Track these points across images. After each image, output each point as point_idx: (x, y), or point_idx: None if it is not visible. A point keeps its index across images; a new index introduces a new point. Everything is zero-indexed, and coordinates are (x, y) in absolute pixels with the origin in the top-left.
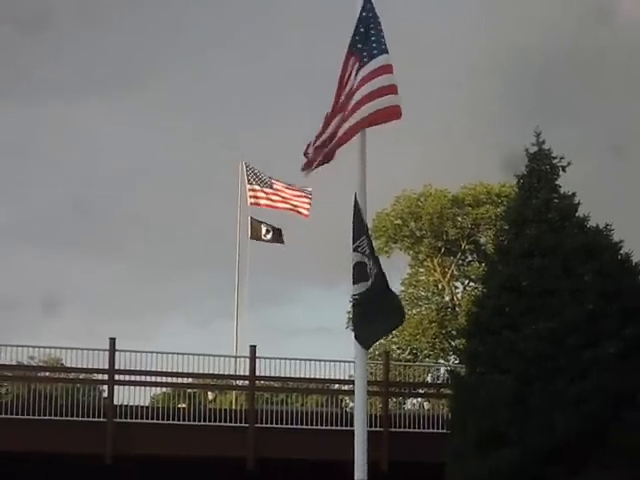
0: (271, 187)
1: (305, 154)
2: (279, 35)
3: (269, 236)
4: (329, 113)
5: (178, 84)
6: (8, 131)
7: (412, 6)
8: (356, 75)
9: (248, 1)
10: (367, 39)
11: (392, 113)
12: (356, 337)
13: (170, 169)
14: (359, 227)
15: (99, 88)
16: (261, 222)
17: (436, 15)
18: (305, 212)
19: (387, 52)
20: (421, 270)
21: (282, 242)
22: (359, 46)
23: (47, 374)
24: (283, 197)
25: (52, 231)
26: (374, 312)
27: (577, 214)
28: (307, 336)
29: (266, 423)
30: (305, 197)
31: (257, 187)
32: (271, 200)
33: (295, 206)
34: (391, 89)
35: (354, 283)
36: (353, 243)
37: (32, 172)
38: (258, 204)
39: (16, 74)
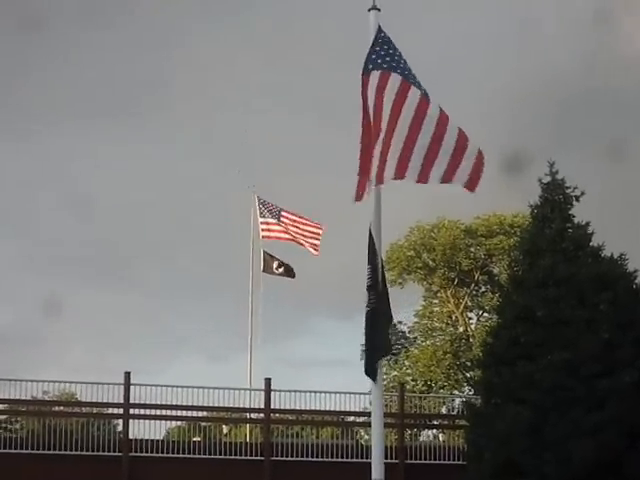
0: (279, 219)
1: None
2: (291, 61)
3: (281, 270)
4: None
5: (189, 113)
6: (14, 161)
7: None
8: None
9: (257, 26)
10: (393, 58)
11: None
12: (365, 371)
13: (183, 200)
14: (373, 257)
15: (108, 118)
16: (273, 257)
17: (452, 49)
18: (314, 251)
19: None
20: (435, 301)
21: (293, 276)
22: (390, 64)
23: (61, 408)
24: (295, 231)
25: (64, 262)
26: (369, 342)
27: (591, 243)
28: (321, 368)
29: (281, 456)
30: (315, 232)
31: (269, 220)
32: (283, 233)
33: (306, 241)
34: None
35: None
36: (368, 272)
37: (42, 202)
38: (270, 237)
39: (17, 101)
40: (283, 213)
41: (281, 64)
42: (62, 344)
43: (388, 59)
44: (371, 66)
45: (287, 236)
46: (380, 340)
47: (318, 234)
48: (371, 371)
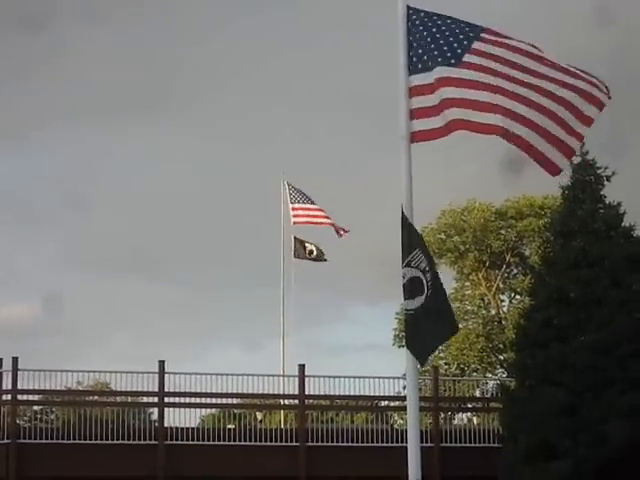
0: (313, 203)
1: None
2: (321, 54)
3: (313, 254)
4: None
5: (219, 105)
6: (57, 159)
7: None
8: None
9: (288, 20)
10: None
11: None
12: (412, 353)
13: (214, 190)
14: (410, 240)
15: (139, 112)
16: (304, 241)
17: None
18: (343, 231)
19: None
20: (467, 284)
21: (325, 260)
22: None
23: (96, 398)
24: (325, 214)
25: (103, 256)
26: (428, 326)
27: (623, 224)
28: (355, 353)
29: (316, 441)
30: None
31: (299, 205)
32: (313, 217)
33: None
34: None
35: (406, 298)
36: (403, 258)
37: (76, 197)
38: (301, 222)
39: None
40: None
41: (312, 60)
42: (99, 335)
43: (425, 57)
44: (416, 66)
45: (318, 220)
46: (438, 327)
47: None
48: (420, 355)
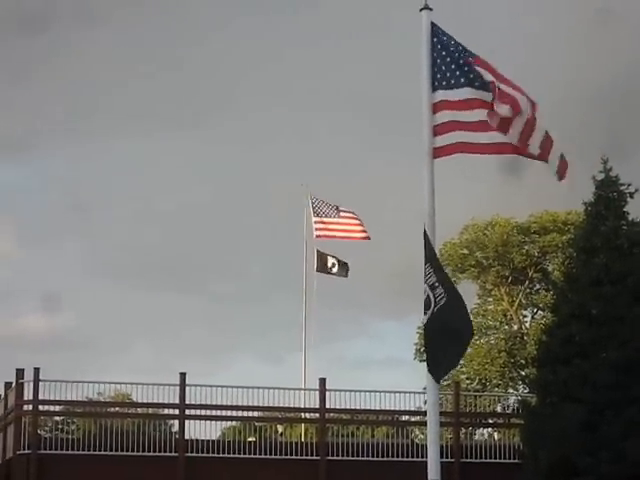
0: (338, 216)
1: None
2: (342, 61)
3: (335, 269)
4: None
5: (241, 117)
6: (79, 169)
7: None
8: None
9: (307, 28)
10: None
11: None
12: (428, 369)
13: (238, 203)
14: (430, 257)
15: (163, 124)
16: (327, 255)
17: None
18: (364, 235)
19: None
20: (489, 299)
21: (346, 276)
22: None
23: (117, 409)
24: (349, 227)
25: (124, 267)
26: (443, 343)
27: None
28: (376, 367)
29: (336, 455)
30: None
31: (323, 219)
32: (337, 231)
33: (358, 231)
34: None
35: (425, 313)
36: (425, 273)
37: (104, 207)
38: (324, 236)
39: (80, 109)
40: (342, 209)
41: (329, 64)
42: (121, 346)
43: (449, 75)
44: (441, 83)
45: (341, 234)
46: (454, 342)
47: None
48: (435, 372)
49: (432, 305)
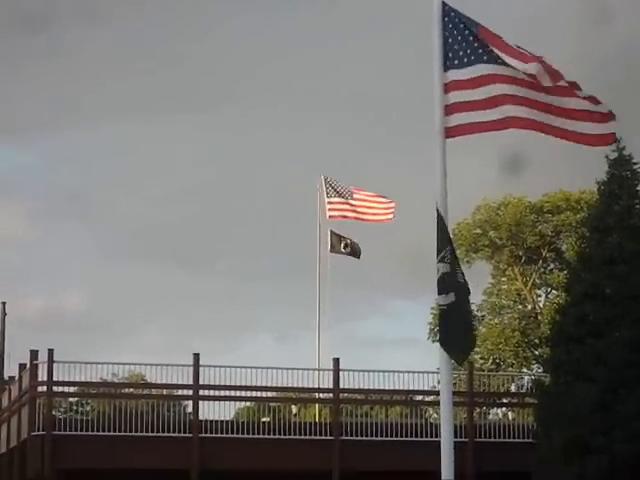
0: (351, 197)
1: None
2: (353, 47)
3: (348, 249)
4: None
5: (253, 101)
6: (94, 150)
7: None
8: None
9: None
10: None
11: (607, 139)
12: (446, 351)
13: (250, 184)
14: (443, 237)
15: (174, 107)
16: (340, 236)
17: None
18: (387, 217)
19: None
20: (502, 279)
21: (358, 257)
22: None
23: (131, 390)
24: (363, 208)
25: (137, 248)
26: (461, 324)
27: None
28: (391, 347)
29: (350, 435)
30: (388, 207)
31: (336, 200)
32: (350, 212)
33: (375, 214)
34: (607, 116)
35: (439, 293)
36: (438, 253)
37: (117, 190)
38: (337, 217)
39: (98, 91)
40: (354, 190)
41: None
42: (135, 327)
43: (461, 53)
44: (453, 62)
45: (354, 215)
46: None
47: (390, 208)
48: (456, 355)
49: (457, 285)
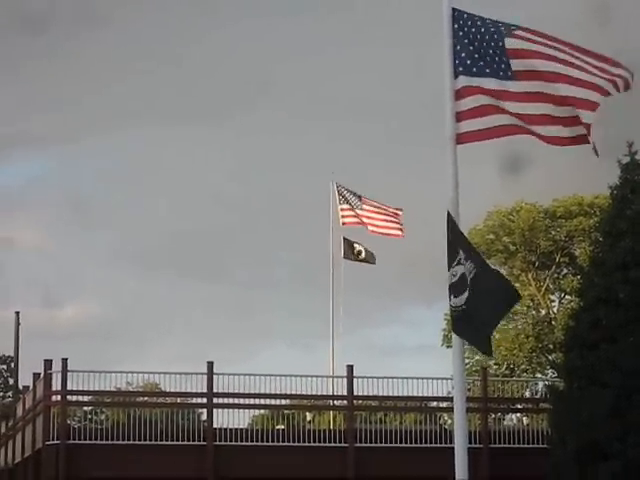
0: (362, 207)
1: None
2: (365, 55)
3: (362, 256)
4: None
5: (266, 111)
6: (109, 157)
7: None
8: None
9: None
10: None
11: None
12: (473, 345)
13: (263, 193)
14: (457, 241)
15: (185, 115)
16: (354, 242)
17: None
18: (398, 233)
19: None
20: (516, 284)
21: (373, 262)
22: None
23: (146, 399)
24: (374, 219)
25: (153, 257)
26: (480, 315)
27: None
28: (407, 354)
29: (365, 442)
30: (396, 218)
31: (348, 207)
32: (363, 219)
33: (387, 230)
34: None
35: (456, 296)
36: (449, 258)
37: (132, 198)
38: (350, 223)
39: (109, 100)
40: (363, 199)
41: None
42: (152, 337)
43: (470, 62)
44: (464, 69)
45: (367, 221)
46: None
47: (398, 217)
48: (481, 343)
49: (466, 284)
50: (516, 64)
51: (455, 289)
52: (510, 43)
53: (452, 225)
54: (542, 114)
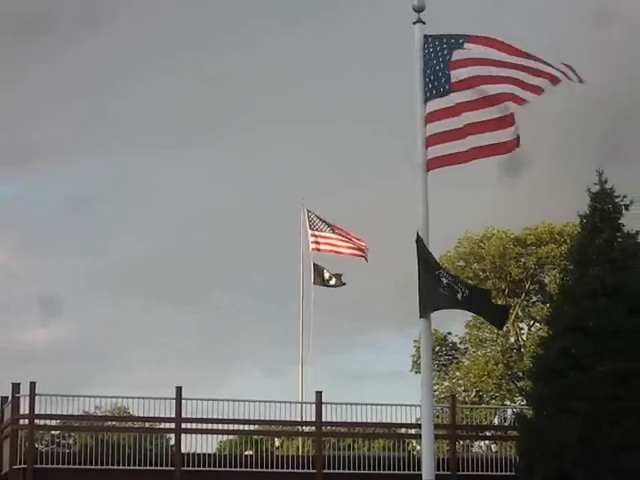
0: (333, 232)
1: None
2: (342, 76)
3: (332, 281)
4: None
5: (244, 135)
6: (88, 180)
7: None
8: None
9: (306, 36)
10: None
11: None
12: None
13: (234, 216)
14: (428, 261)
15: (156, 138)
16: (323, 268)
17: None
18: (362, 255)
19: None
20: None
21: (344, 284)
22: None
23: (114, 423)
24: (340, 247)
25: (123, 281)
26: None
27: None
28: (378, 380)
29: (333, 469)
30: (361, 245)
31: (319, 233)
32: (333, 245)
33: (356, 252)
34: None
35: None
36: (424, 276)
37: (109, 221)
38: (320, 250)
39: (98, 121)
40: (336, 226)
41: (328, 73)
42: (123, 361)
43: (436, 83)
44: (432, 93)
45: (336, 249)
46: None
47: (364, 246)
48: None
49: (461, 295)
50: (458, 74)
51: (446, 299)
52: (458, 55)
53: (422, 249)
54: (488, 120)
